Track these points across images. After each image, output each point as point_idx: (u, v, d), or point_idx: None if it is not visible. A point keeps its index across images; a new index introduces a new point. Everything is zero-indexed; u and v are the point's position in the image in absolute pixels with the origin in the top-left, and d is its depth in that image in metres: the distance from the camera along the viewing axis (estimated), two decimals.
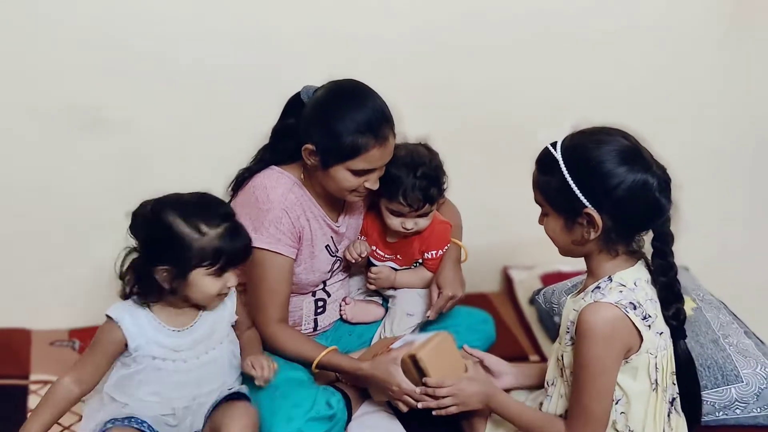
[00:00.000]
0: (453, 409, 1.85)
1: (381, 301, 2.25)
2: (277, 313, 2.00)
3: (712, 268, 2.60)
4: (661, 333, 1.69)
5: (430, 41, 2.57)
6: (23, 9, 2.32)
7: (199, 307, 1.79)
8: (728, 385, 1.95)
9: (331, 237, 2.08)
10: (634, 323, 1.63)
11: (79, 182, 2.45)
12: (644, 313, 1.65)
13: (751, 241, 2.91)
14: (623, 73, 2.71)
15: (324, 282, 2.14)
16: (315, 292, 2.14)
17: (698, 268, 2.50)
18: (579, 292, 1.77)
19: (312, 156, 1.93)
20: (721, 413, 1.95)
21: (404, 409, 1.90)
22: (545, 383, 1.83)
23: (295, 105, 1.99)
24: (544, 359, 2.39)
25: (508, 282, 2.75)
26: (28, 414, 2.00)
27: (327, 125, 1.89)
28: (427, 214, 2.08)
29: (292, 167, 2.02)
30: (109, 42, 2.37)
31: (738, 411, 1.95)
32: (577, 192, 1.62)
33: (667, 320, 1.70)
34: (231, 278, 1.75)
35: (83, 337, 2.37)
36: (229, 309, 1.86)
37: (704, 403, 1.82)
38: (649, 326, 1.66)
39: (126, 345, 1.75)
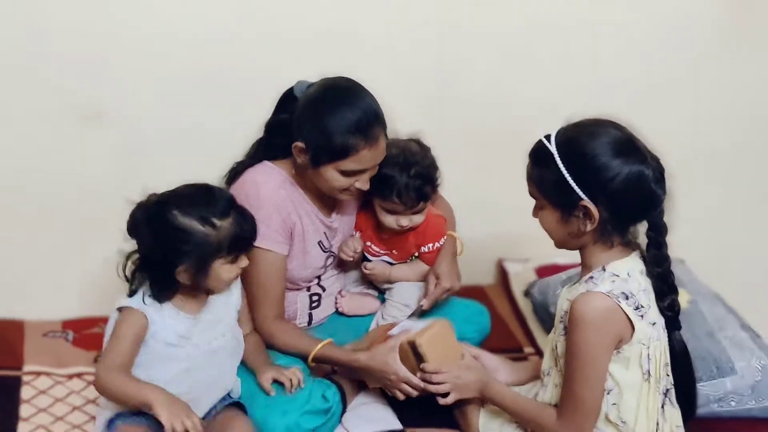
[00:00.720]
0: (450, 398, 1.85)
1: (376, 294, 2.24)
2: (273, 310, 1.99)
3: (707, 261, 2.59)
4: (654, 324, 1.68)
5: (427, 35, 2.56)
6: (24, 2, 2.30)
7: (208, 292, 1.80)
8: (723, 377, 1.96)
9: (324, 233, 2.07)
10: (625, 313, 1.63)
11: (74, 174, 2.43)
12: (636, 304, 1.65)
13: (748, 235, 2.91)
14: (622, 67, 2.69)
15: (318, 277, 2.13)
16: (309, 287, 2.13)
17: (694, 260, 2.50)
18: (574, 283, 1.77)
19: (302, 154, 1.91)
20: (715, 405, 1.95)
21: (401, 397, 1.90)
22: (541, 373, 1.83)
23: (288, 100, 1.97)
24: (538, 351, 2.39)
25: (503, 274, 2.74)
26: (21, 406, 2.00)
27: (317, 124, 1.87)
28: (421, 211, 2.08)
29: (284, 162, 2.00)
30: (108, 36, 2.35)
31: (733, 403, 1.95)
32: (573, 185, 1.62)
33: (662, 311, 1.70)
34: (244, 260, 1.77)
35: (77, 328, 2.36)
36: (234, 296, 1.86)
37: (699, 395, 1.81)
38: (642, 316, 1.66)
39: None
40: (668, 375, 1.73)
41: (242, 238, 1.73)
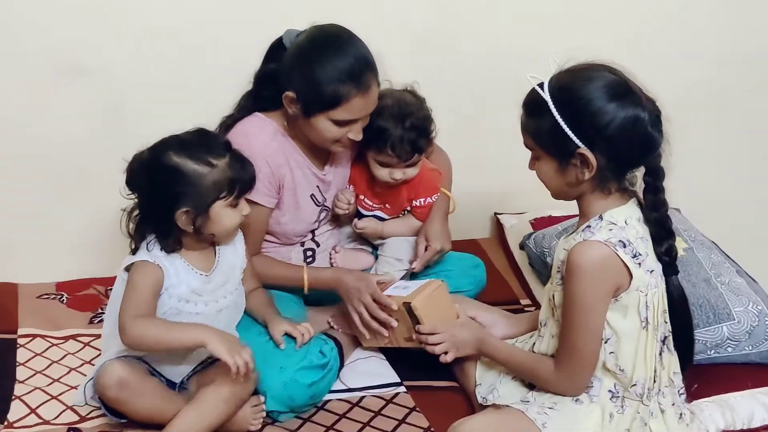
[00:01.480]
0: (449, 357, 1.86)
1: (370, 250, 2.23)
2: (253, 251, 1.98)
3: (703, 209, 2.58)
4: (652, 271, 1.67)
5: None
6: None
7: (215, 245, 1.79)
8: (720, 323, 1.95)
9: (317, 186, 2.05)
10: (623, 261, 1.62)
11: (62, 133, 2.40)
12: (634, 251, 1.64)
13: (743, 182, 2.89)
14: (614, 9, 2.65)
15: (312, 232, 2.12)
16: (304, 242, 2.11)
17: (690, 209, 2.48)
18: (571, 233, 1.75)
19: (293, 104, 1.88)
20: (712, 351, 1.95)
21: (358, 322, 1.92)
22: (538, 324, 1.82)
23: (277, 50, 1.94)
24: (535, 303, 2.39)
25: (498, 228, 2.73)
26: (17, 369, 1.99)
27: (307, 73, 1.84)
28: (415, 164, 2.05)
29: (276, 114, 1.97)
30: None
31: (729, 349, 1.95)
32: (570, 133, 1.59)
33: (659, 257, 1.69)
34: (245, 207, 1.75)
35: (70, 289, 2.35)
36: (240, 255, 1.86)
37: (696, 341, 1.80)
38: (639, 264, 1.64)
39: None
40: (666, 322, 1.72)
41: (240, 179, 1.71)
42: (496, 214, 2.76)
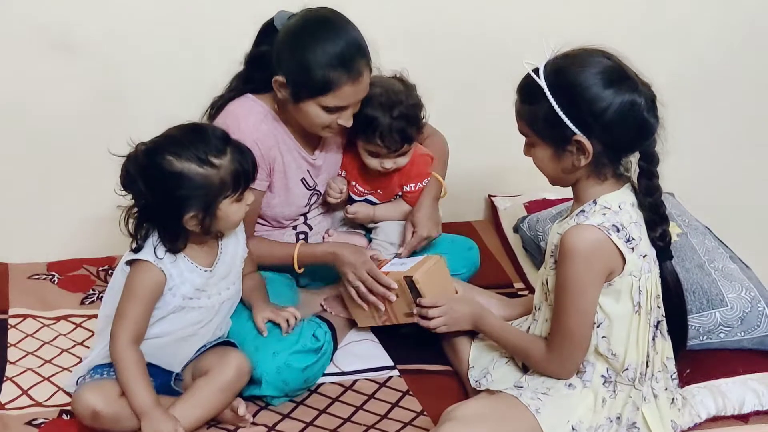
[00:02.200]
0: (443, 329, 1.87)
1: (363, 233, 2.22)
2: (246, 234, 1.94)
3: (697, 194, 2.58)
4: (645, 256, 1.67)
5: None
6: None
7: (218, 236, 1.77)
8: (713, 309, 1.95)
9: (308, 170, 2.03)
10: (616, 245, 1.62)
11: (54, 112, 2.38)
12: (627, 236, 1.64)
13: (737, 166, 2.89)
14: None
15: (304, 215, 2.10)
16: (296, 225, 2.10)
17: (683, 193, 2.48)
18: (565, 218, 1.75)
19: (282, 88, 1.85)
20: (705, 337, 1.95)
21: (353, 294, 1.91)
22: (533, 308, 1.82)
23: (268, 32, 1.91)
24: (528, 286, 2.39)
25: (492, 210, 2.72)
26: (8, 350, 1.98)
27: (297, 57, 1.81)
28: (406, 153, 2.03)
29: (267, 96, 1.95)
30: None
31: (722, 335, 1.95)
32: (566, 120, 1.58)
33: (654, 242, 1.69)
34: (249, 196, 1.73)
35: (62, 270, 2.33)
36: (241, 244, 1.84)
37: (689, 327, 1.80)
38: (633, 249, 1.64)
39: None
40: (659, 307, 1.72)
41: (244, 172, 1.69)
42: (490, 196, 2.76)
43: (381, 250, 2.12)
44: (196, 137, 1.67)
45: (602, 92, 1.57)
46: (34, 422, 1.78)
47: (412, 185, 2.11)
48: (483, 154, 2.66)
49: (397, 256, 2.07)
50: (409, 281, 1.87)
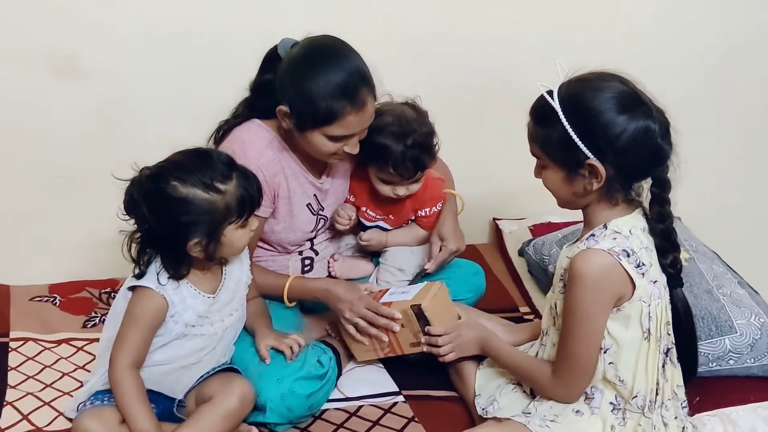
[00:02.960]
0: (452, 356, 1.86)
1: (370, 257, 2.20)
2: None
3: (704, 219, 2.57)
4: (656, 282, 1.65)
5: None
6: None
7: (222, 262, 1.74)
8: (722, 335, 1.93)
9: (314, 195, 2.01)
10: (626, 270, 1.60)
11: (56, 133, 2.37)
12: (638, 261, 1.62)
13: (744, 191, 2.88)
14: (616, 14, 2.63)
15: (311, 240, 2.08)
16: (302, 250, 2.08)
17: (691, 218, 2.47)
18: (575, 242, 1.73)
19: (286, 118, 1.84)
20: (714, 364, 1.93)
21: (352, 331, 1.88)
22: (541, 332, 1.81)
23: (272, 59, 1.88)
24: (534, 311, 2.38)
25: (497, 233, 2.71)
26: (9, 373, 1.96)
27: (300, 88, 1.78)
28: (419, 180, 2.01)
29: (273, 122, 1.93)
30: None
31: (731, 362, 1.93)
32: (580, 143, 1.57)
33: (664, 268, 1.68)
34: (254, 221, 1.71)
35: (63, 292, 2.31)
36: (246, 270, 1.82)
37: (698, 354, 1.79)
38: (643, 274, 1.63)
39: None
40: (669, 334, 1.70)
41: (249, 198, 1.66)
42: (495, 219, 2.74)
43: (389, 275, 2.10)
44: (202, 162, 1.65)
45: (617, 117, 1.56)
46: None
47: (427, 209, 2.09)
48: (488, 177, 2.65)
49: (423, 272, 2.04)
50: (417, 310, 1.85)
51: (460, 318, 1.94)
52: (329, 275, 2.14)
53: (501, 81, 2.61)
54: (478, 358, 1.92)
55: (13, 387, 1.92)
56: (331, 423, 1.85)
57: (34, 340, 2.09)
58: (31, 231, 2.43)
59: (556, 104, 1.59)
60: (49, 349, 2.07)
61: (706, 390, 1.86)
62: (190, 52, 2.36)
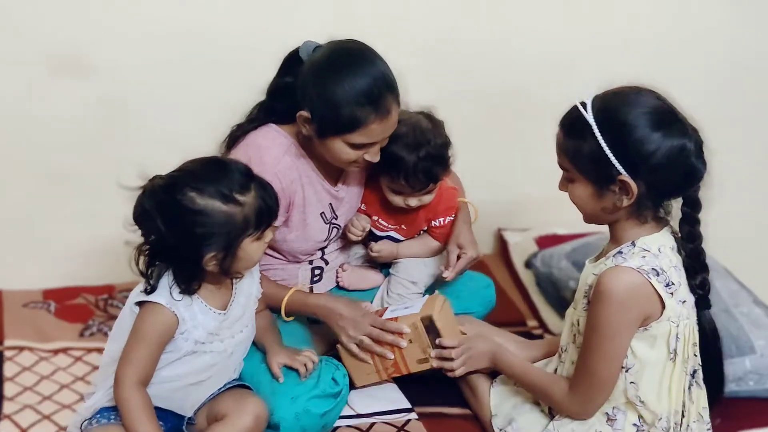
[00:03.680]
0: (462, 370, 1.82)
1: (380, 268, 2.14)
2: None
3: (711, 234, 2.54)
4: (684, 302, 1.62)
5: None
6: None
7: (236, 276, 1.67)
8: (742, 356, 1.91)
9: (330, 204, 1.95)
10: (656, 290, 1.56)
11: (53, 136, 2.29)
12: (667, 280, 1.58)
13: (750, 206, 2.86)
14: (626, 25, 2.59)
15: (322, 250, 2.02)
16: (312, 260, 2.01)
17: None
18: (599, 257, 1.69)
19: (307, 124, 1.77)
20: (734, 385, 1.89)
21: (355, 350, 1.83)
22: (559, 349, 1.76)
23: (293, 62, 1.81)
24: (542, 324, 2.34)
25: (502, 244, 2.66)
26: (5, 384, 1.88)
27: (323, 93, 1.72)
28: (431, 191, 1.96)
29: (290, 127, 1.87)
30: None
31: (751, 383, 1.91)
32: (613, 159, 1.53)
33: (693, 289, 1.64)
34: (269, 234, 1.64)
35: (59, 298, 2.23)
36: (256, 283, 1.75)
37: None
38: (672, 294, 1.59)
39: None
40: (696, 355, 1.67)
41: (268, 209, 1.59)
42: (500, 230, 2.70)
43: (401, 287, 2.04)
44: (219, 172, 1.57)
45: (652, 134, 1.52)
46: None
47: (441, 220, 2.03)
48: (493, 187, 2.60)
49: (441, 280, 1.98)
50: (428, 322, 1.80)
51: (464, 333, 1.88)
52: (337, 285, 2.08)
53: (509, 90, 2.56)
54: (491, 375, 1.87)
55: (11, 399, 1.85)
56: None
57: (30, 349, 2.02)
58: (25, 233, 2.35)
59: (590, 117, 1.54)
60: (45, 359, 1.99)
61: (728, 412, 1.82)
62: (193, 49, 2.28)
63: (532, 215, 2.71)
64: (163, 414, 1.65)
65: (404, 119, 1.89)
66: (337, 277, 2.07)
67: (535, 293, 2.44)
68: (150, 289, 1.59)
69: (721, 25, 2.67)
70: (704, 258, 1.65)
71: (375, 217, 2.04)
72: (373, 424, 1.84)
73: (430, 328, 1.80)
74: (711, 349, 1.68)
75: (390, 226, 2.04)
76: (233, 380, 1.76)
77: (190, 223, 1.53)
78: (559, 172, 1.65)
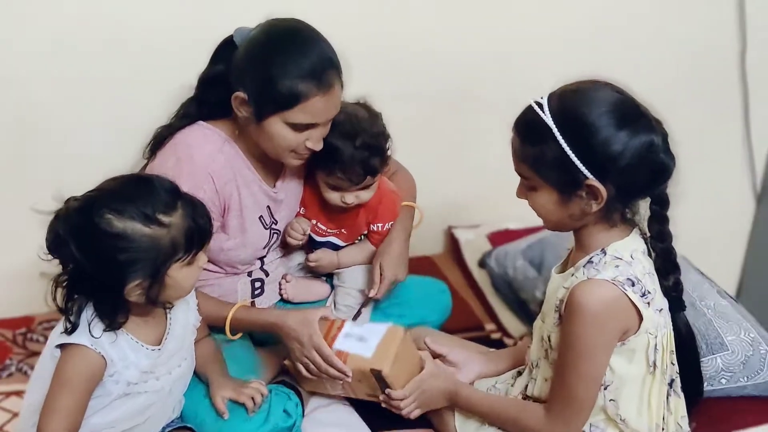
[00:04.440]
0: (416, 413, 1.69)
1: (325, 278, 2.00)
2: None
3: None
4: (661, 310, 1.52)
5: None
6: None
7: (166, 307, 1.51)
8: (714, 354, 1.81)
9: (267, 206, 1.81)
10: (633, 302, 1.46)
11: None
12: (643, 290, 1.48)
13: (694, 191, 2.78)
14: (567, 22, 2.48)
15: (261, 259, 1.87)
16: (251, 271, 1.87)
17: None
18: (565, 265, 1.58)
19: (243, 106, 1.64)
20: (706, 384, 1.79)
21: (304, 372, 1.70)
22: (530, 364, 1.65)
23: (226, 50, 1.69)
24: (500, 328, 2.24)
25: (453, 243, 2.54)
26: None
27: (261, 68, 1.61)
28: (369, 186, 1.83)
29: (222, 123, 1.73)
30: None
31: (724, 381, 1.81)
32: (579, 164, 1.41)
33: (667, 291, 1.54)
34: (202, 258, 1.48)
35: None
36: (193, 311, 1.59)
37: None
38: (649, 303, 1.49)
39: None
40: (673, 363, 1.58)
41: (198, 230, 1.43)
42: (450, 228, 2.57)
43: (349, 298, 1.92)
44: (140, 190, 1.41)
45: (617, 133, 1.40)
46: None
47: (380, 225, 1.91)
48: (441, 183, 2.48)
49: (368, 300, 1.87)
50: (377, 375, 1.65)
51: (423, 368, 1.71)
52: (281, 299, 1.93)
53: (453, 84, 2.44)
54: None
55: None
56: None
57: None
58: None
59: (549, 119, 1.42)
60: None
61: (704, 414, 1.73)
62: (111, 62, 2.11)
63: (483, 211, 2.60)
64: None
65: (341, 108, 1.75)
66: (280, 289, 1.93)
67: (491, 294, 2.33)
68: (71, 328, 1.42)
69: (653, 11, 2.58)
70: (675, 257, 1.55)
71: (314, 221, 1.90)
72: None
73: (379, 378, 1.66)
74: (688, 353, 1.60)
75: (329, 230, 1.91)
76: (174, 420, 1.60)
77: (108, 249, 1.36)
78: (511, 167, 1.53)
